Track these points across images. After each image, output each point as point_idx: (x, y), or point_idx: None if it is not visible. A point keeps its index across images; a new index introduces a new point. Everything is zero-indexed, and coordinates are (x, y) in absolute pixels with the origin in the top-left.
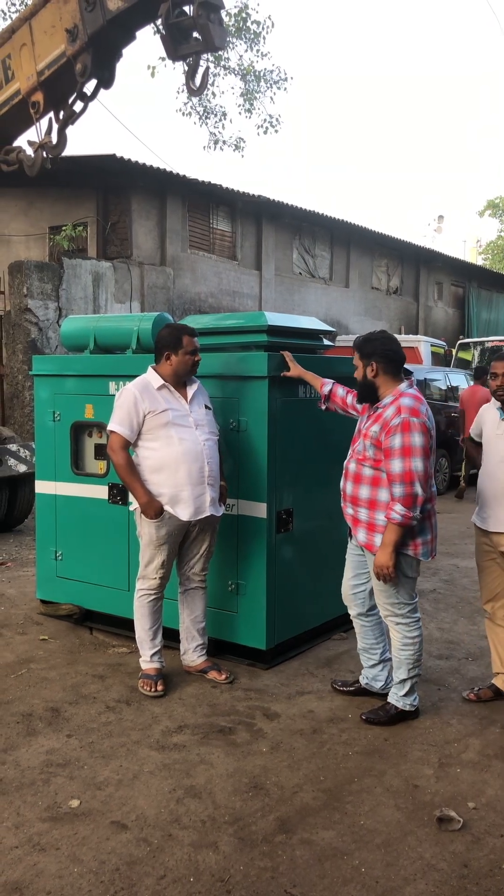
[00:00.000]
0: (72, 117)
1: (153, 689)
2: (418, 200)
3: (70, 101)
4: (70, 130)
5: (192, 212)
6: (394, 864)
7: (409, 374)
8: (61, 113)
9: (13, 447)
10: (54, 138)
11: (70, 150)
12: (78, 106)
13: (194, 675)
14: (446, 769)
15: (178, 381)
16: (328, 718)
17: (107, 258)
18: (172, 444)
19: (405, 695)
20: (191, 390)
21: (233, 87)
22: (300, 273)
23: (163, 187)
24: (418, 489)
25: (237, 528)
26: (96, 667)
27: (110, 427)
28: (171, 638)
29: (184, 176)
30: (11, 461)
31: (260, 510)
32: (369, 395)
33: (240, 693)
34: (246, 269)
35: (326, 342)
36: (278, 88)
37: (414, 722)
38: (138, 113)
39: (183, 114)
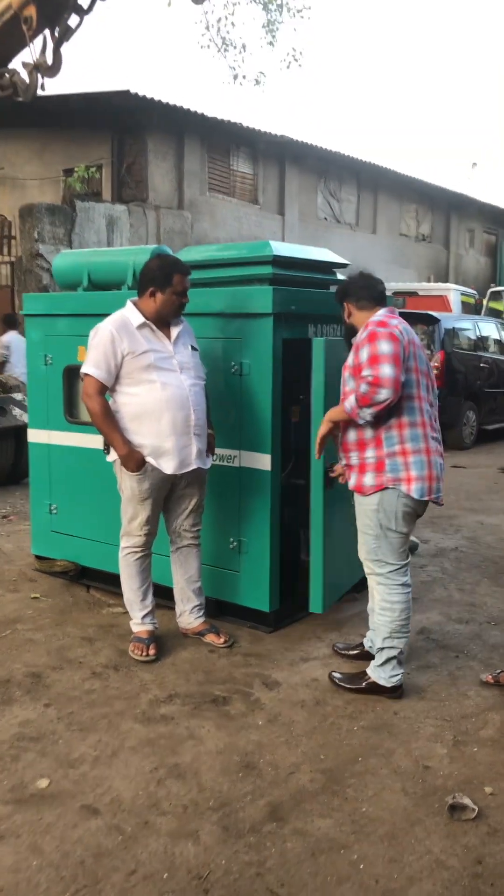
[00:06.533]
0: (67, 33)
1: (144, 654)
2: (451, 144)
3: (65, 15)
4: (82, 66)
5: (211, 153)
6: (397, 859)
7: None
8: (56, 30)
9: (18, 396)
10: (49, 58)
11: (83, 88)
12: (73, 20)
13: (191, 638)
14: (461, 748)
15: (161, 321)
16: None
17: (122, 201)
18: (155, 389)
19: (380, 666)
20: (175, 329)
21: (254, 18)
22: (325, 218)
23: (180, 127)
24: (382, 395)
25: (239, 482)
26: (86, 628)
27: (84, 370)
28: (165, 597)
29: (202, 114)
30: (17, 411)
31: (264, 462)
32: (353, 335)
33: (239, 658)
34: (268, 213)
35: (340, 276)
36: (301, 17)
37: (428, 694)
38: (154, 48)
39: (201, 46)
